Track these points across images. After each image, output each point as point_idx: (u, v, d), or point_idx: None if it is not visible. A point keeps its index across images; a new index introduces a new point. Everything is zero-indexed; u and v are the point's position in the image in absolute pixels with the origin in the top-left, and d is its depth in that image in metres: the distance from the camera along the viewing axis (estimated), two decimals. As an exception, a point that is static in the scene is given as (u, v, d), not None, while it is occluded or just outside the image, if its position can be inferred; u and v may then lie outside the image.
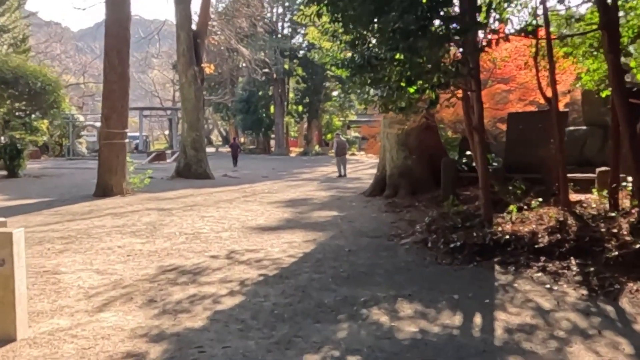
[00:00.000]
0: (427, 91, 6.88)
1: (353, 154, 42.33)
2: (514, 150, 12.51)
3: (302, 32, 47.27)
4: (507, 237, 7.20)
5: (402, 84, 7.02)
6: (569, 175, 10.40)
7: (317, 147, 48.98)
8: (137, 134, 51.88)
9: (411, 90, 7.03)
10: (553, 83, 8.82)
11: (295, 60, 46.99)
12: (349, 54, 7.74)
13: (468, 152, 14.48)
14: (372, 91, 10.37)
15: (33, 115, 23.45)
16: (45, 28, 60.10)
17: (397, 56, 7.11)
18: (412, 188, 13.76)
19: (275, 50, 41.91)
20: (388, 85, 7.33)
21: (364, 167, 31.32)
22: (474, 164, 14.28)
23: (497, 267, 6.66)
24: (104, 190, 14.64)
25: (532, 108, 14.91)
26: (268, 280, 6.18)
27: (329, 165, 31.98)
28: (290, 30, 47.84)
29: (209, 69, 21.65)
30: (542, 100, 14.48)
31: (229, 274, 6.46)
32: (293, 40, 47.55)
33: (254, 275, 6.38)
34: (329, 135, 52.74)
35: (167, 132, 60.24)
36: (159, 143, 65.20)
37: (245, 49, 26.29)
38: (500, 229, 7.68)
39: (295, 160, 38.05)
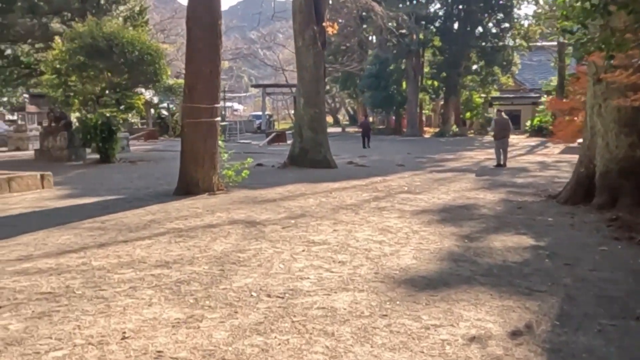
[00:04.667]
0: None
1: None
2: None
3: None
4: None
5: None
6: None
7: (454, 127, 43.27)
8: (260, 112, 49.52)
9: None
10: None
11: (431, 29, 41.43)
12: None
13: None
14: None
15: (135, 90, 20.51)
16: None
17: None
18: (644, 194, 8.55)
19: (411, 17, 36.57)
20: None
21: (518, 150, 25.63)
22: None
23: None
24: (187, 186, 10.87)
25: None
26: None
27: (474, 149, 26.73)
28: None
29: (332, 29, 17.18)
30: None
31: None
32: (430, 7, 42.00)
33: None
34: (467, 114, 46.62)
35: (292, 112, 57.23)
36: (285, 122, 62.56)
37: (379, 5, 21.52)
38: None
39: (431, 143, 32.87)
